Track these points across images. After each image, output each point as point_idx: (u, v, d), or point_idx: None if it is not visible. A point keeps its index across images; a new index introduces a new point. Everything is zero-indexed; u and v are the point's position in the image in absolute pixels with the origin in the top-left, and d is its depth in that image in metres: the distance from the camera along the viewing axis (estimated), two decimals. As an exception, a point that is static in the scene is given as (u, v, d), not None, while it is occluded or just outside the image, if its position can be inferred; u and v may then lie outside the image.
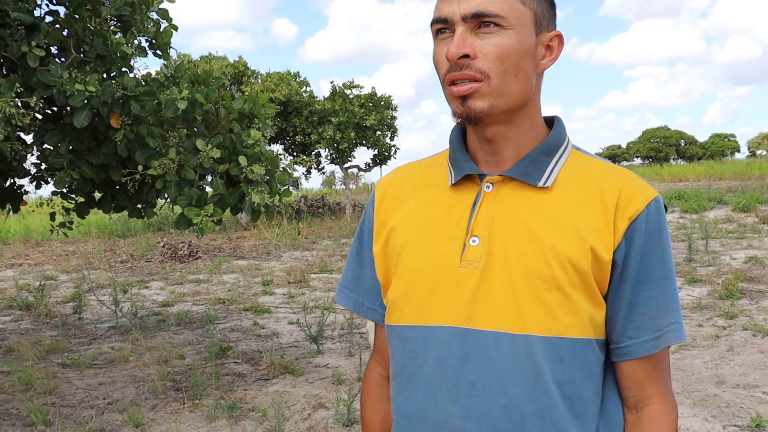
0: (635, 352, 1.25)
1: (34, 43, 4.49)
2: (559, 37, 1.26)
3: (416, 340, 1.27)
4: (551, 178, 1.26)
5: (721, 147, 70.50)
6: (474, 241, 1.24)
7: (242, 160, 4.99)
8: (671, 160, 69.19)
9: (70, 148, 4.92)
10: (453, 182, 1.30)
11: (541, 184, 1.25)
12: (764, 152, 73.53)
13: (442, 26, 1.20)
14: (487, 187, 1.27)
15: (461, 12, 1.17)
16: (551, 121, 1.34)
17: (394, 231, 1.35)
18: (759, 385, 5.28)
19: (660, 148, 70.33)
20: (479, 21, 1.17)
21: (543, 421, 1.20)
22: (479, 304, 1.22)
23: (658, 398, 1.28)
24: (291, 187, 5.67)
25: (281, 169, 5.50)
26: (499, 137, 1.26)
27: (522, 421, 1.20)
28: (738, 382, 5.36)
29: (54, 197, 5.64)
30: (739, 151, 72.43)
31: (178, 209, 5.14)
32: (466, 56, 1.17)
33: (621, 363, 1.28)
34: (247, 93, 5.70)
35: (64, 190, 5.47)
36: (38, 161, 5.27)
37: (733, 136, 72.97)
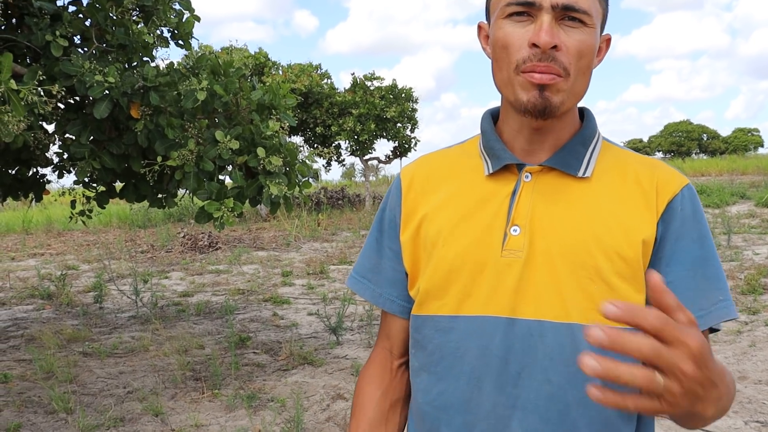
0: None
1: (58, 33, 4.51)
2: (609, 40, 1.26)
3: (457, 330, 1.25)
4: (590, 168, 1.25)
5: (744, 141, 69.77)
6: (515, 231, 1.22)
7: (260, 151, 4.99)
8: (693, 155, 68.61)
9: (92, 138, 4.94)
10: (491, 171, 1.28)
11: (580, 174, 1.24)
12: (789, 147, 72.68)
13: (522, 9, 1.15)
14: (527, 176, 1.25)
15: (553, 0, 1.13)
16: (581, 112, 1.33)
17: (426, 220, 1.32)
18: (782, 381, 5.23)
19: (682, 142, 69.74)
20: (566, 13, 1.13)
21: (587, 408, 1.19)
22: (522, 293, 1.21)
23: None
24: (311, 179, 5.67)
25: (300, 161, 5.49)
26: (548, 129, 1.25)
27: (566, 409, 1.19)
28: (760, 378, 5.31)
29: (76, 187, 5.67)
30: (762, 145, 71.63)
31: (198, 201, 5.15)
32: (554, 47, 1.13)
33: None
34: (268, 84, 5.68)
35: (86, 180, 5.50)
36: (60, 151, 5.31)
37: (757, 130, 72.15)
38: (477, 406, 1.24)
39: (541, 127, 1.24)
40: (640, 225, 1.19)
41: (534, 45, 1.13)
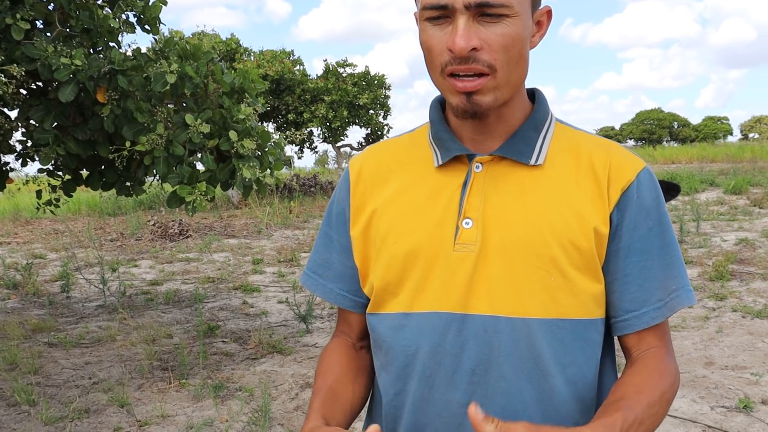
0: (634, 326, 1.22)
1: (18, 16, 4.40)
2: (549, 12, 1.20)
3: (410, 328, 1.22)
4: (542, 155, 1.21)
5: (713, 130, 70.65)
6: (467, 224, 1.19)
7: (232, 135, 4.93)
8: (664, 143, 69.32)
9: (56, 123, 4.84)
10: (440, 163, 1.24)
11: (532, 161, 1.20)
12: (756, 135, 73.76)
13: (438, 13, 1.10)
14: (477, 167, 1.22)
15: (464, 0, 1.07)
16: (531, 94, 1.29)
17: (376, 214, 1.28)
18: (747, 366, 5.28)
19: (653, 130, 70.46)
20: (482, 10, 1.07)
21: (544, 404, 1.17)
22: (476, 288, 1.17)
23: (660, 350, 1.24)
24: (284, 167, 5.62)
25: (272, 143, 5.44)
26: (493, 119, 1.21)
27: (523, 406, 1.16)
28: (726, 364, 5.36)
29: (40, 175, 5.57)
30: (731, 134, 72.62)
31: (168, 187, 5.07)
32: (473, 49, 1.08)
33: (622, 337, 1.25)
34: (238, 69, 5.62)
35: (50, 167, 5.40)
36: (23, 138, 5.20)
37: (726, 119, 73.10)
38: (430, 405, 1.21)
39: (485, 120, 1.21)
40: (593, 214, 1.17)
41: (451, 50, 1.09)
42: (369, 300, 1.31)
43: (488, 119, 1.20)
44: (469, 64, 1.09)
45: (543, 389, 1.16)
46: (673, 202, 16.29)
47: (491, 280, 1.17)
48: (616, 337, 1.28)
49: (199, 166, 5.18)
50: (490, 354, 1.16)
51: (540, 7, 1.18)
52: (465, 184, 1.22)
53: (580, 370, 1.19)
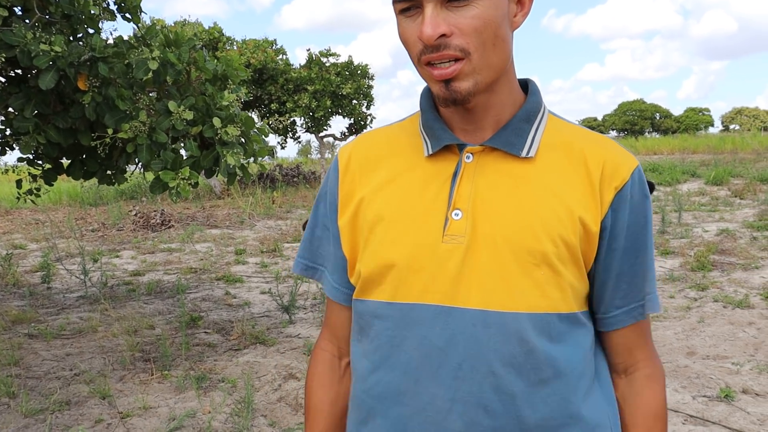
0: (623, 321, 1.24)
1: (-4, 2, 4.33)
2: None
3: (393, 318, 1.20)
4: (534, 147, 1.19)
5: (695, 121, 71.12)
6: (457, 215, 1.17)
7: (216, 121, 4.89)
8: (646, 133, 69.70)
9: (36, 111, 4.78)
10: (430, 153, 1.22)
11: (524, 154, 1.19)
12: (737, 127, 74.29)
13: (408, 4, 1.10)
14: (468, 157, 1.20)
15: None
16: (524, 84, 1.27)
17: (363, 203, 1.26)
18: (728, 356, 5.31)
19: (635, 121, 70.80)
20: None
21: (533, 399, 1.16)
22: (464, 281, 1.15)
23: (646, 362, 1.29)
24: (267, 157, 5.59)
25: (256, 130, 5.40)
26: (480, 107, 1.18)
27: (512, 401, 1.15)
28: (708, 353, 5.39)
29: (20, 164, 5.50)
30: (713, 125, 73.15)
31: (150, 176, 5.03)
32: (443, 35, 1.07)
33: (609, 332, 1.27)
34: (221, 57, 5.59)
35: (31, 156, 5.33)
36: (2, 126, 5.13)
37: (708, 110, 73.59)
38: (413, 399, 1.19)
39: (473, 108, 1.19)
40: (582, 210, 1.16)
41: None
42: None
43: (475, 108, 1.18)
44: (441, 51, 1.08)
45: (533, 383, 1.15)
46: (655, 192, 16.37)
47: (480, 273, 1.15)
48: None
49: (183, 153, 5.14)
50: (479, 348, 1.14)
51: None
52: (455, 174, 1.20)
53: (570, 363, 1.18)
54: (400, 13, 1.12)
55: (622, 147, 1.23)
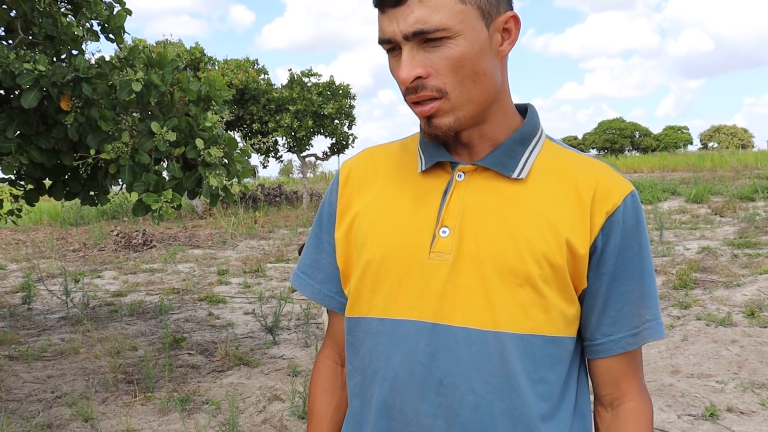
0: (610, 350, 1.23)
1: (-20, 23, 4.31)
2: (515, 17, 1.18)
3: (383, 334, 1.21)
4: (525, 169, 1.21)
5: (674, 139, 71.69)
6: (444, 232, 1.19)
7: (199, 143, 4.87)
8: (626, 152, 70.14)
9: (18, 132, 4.75)
10: (423, 169, 1.24)
11: (515, 175, 1.20)
12: (715, 144, 74.97)
13: (390, 46, 1.15)
14: (459, 176, 1.22)
15: (401, 31, 1.10)
16: (524, 109, 1.29)
17: (358, 217, 1.28)
18: (712, 374, 5.33)
19: (615, 139, 71.27)
20: (422, 37, 1.10)
21: (513, 420, 1.16)
22: (449, 298, 1.17)
23: (634, 395, 1.26)
24: (249, 177, 5.58)
25: (239, 151, 5.39)
26: (474, 136, 1.22)
27: (491, 421, 1.15)
28: (692, 372, 5.41)
29: (1, 184, 5.46)
30: (691, 143, 73.74)
31: (134, 196, 5.00)
32: (419, 77, 1.12)
33: (596, 360, 1.26)
34: (203, 77, 5.58)
35: (13, 177, 5.30)
36: (-16, 146, 5.09)
37: (686, 128, 74.20)
38: (400, 413, 1.20)
39: (467, 140, 1.23)
40: (571, 233, 1.16)
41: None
42: None
43: (467, 136, 1.21)
44: (419, 93, 1.13)
45: (513, 405, 1.16)
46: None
47: (465, 291, 1.16)
48: (587, 365, 1.29)
49: (165, 175, 5.12)
50: (460, 366, 1.15)
51: (500, 15, 1.16)
52: (446, 191, 1.22)
53: (551, 387, 1.18)
54: (387, 52, 1.17)
55: (617, 172, 1.23)
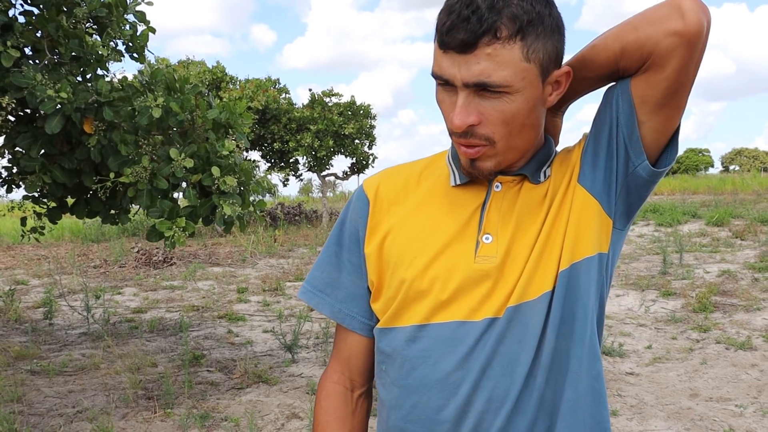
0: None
1: (9, 43, 4.41)
2: (568, 73, 1.22)
3: (429, 338, 1.25)
4: (547, 172, 1.30)
5: (695, 162, 71.17)
6: (487, 239, 1.25)
7: (215, 171, 4.91)
8: (647, 174, 69.66)
9: (43, 151, 4.83)
10: (457, 183, 1.30)
11: (541, 179, 1.28)
12: (737, 167, 74.38)
13: (443, 81, 1.17)
14: (497, 186, 1.27)
15: (463, 79, 1.12)
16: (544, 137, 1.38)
17: (392, 232, 1.31)
18: (731, 398, 5.30)
19: (636, 161, 70.85)
20: (482, 87, 1.13)
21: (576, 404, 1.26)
22: (497, 295, 1.23)
23: None
24: (267, 195, 5.60)
25: (254, 181, 5.42)
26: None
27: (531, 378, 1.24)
28: (711, 395, 5.38)
29: (25, 201, 5.55)
30: (712, 166, 73.17)
31: (151, 219, 5.05)
32: (471, 125, 1.16)
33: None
34: (225, 99, 5.64)
35: (36, 195, 5.38)
36: (9, 164, 5.19)
37: (707, 151, 73.68)
38: (449, 412, 1.24)
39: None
40: (585, 182, 1.26)
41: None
42: (377, 323, 1.34)
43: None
44: (468, 138, 1.18)
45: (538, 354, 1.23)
46: (655, 233, 16.39)
47: (510, 285, 1.22)
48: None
49: (182, 199, 5.16)
50: (504, 350, 1.22)
51: (557, 68, 1.20)
52: (485, 201, 1.28)
53: (579, 358, 1.25)
54: (438, 84, 1.20)
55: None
